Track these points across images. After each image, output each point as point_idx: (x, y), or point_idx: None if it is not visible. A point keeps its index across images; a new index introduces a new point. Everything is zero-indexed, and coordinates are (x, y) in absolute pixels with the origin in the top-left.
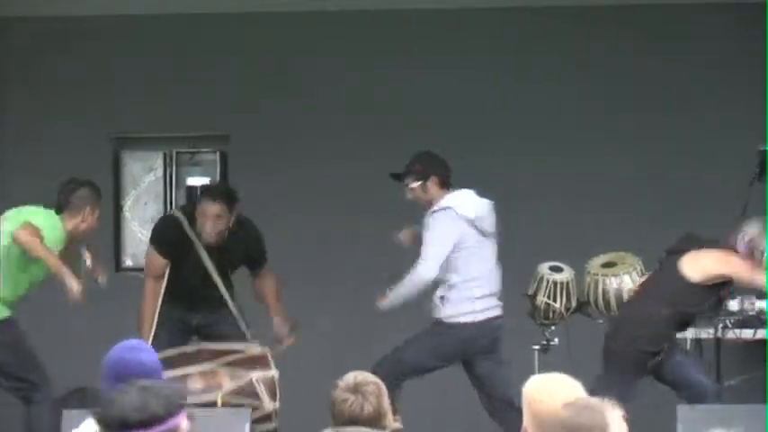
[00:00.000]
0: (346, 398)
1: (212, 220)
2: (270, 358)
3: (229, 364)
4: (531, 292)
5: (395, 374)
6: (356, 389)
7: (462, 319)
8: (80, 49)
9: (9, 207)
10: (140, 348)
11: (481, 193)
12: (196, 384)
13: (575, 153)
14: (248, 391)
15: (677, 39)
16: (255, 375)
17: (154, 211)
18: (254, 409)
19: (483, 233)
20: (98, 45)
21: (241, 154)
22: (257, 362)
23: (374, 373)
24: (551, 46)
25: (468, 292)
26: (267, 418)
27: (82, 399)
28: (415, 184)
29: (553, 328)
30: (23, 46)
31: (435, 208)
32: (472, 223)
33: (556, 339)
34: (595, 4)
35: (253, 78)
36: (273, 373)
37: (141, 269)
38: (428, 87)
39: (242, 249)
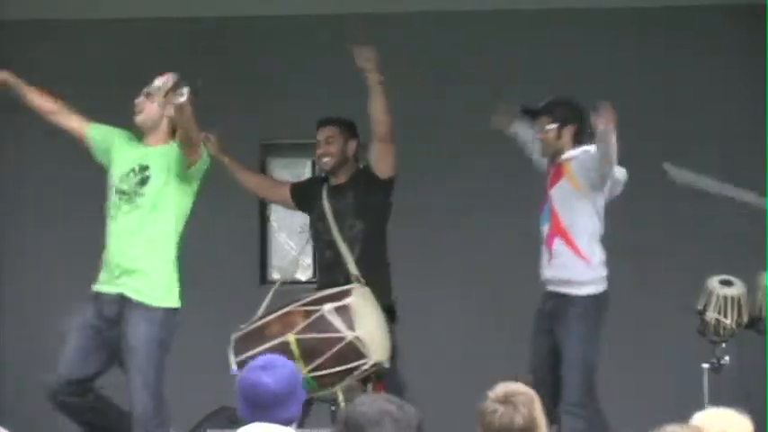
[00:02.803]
0: (495, 408)
1: (322, 145)
2: (351, 291)
3: (306, 303)
4: (700, 307)
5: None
6: (506, 399)
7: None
8: (229, 50)
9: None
10: (268, 368)
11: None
12: (272, 329)
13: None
14: (321, 326)
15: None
16: (327, 307)
17: (301, 221)
18: (335, 343)
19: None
20: (246, 47)
21: None
22: (335, 297)
23: (582, 406)
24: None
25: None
26: (355, 352)
27: (223, 418)
28: (552, 126)
29: (724, 345)
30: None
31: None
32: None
33: (726, 357)
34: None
35: (399, 82)
36: (348, 301)
37: (289, 283)
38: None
39: (356, 188)
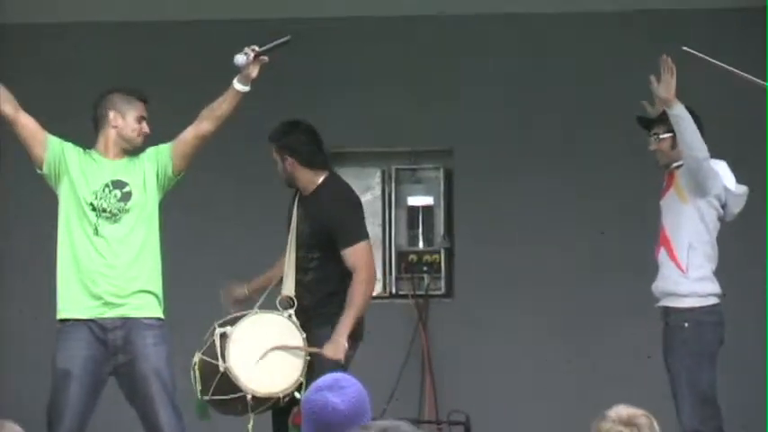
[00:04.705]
0: (620, 430)
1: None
2: (243, 318)
3: (220, 323)
4: None
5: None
6: (630, 421)
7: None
8: (296, 55)
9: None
10: (334, 388)
11: None
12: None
13: None
14: (210, 351)
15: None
16: (217, 331)
17: (371, 233)
18: (216, 371)
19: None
20: (314, 51)
21: (466, 170)
22: (230, 321)
23: None
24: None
25: None
26: (231, 383)
27: None
28: (666, 135)
29: None
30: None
31: None
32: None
33: None
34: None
35: (478, 87)
36: (228, 330)
37: None
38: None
39: (312, 217)
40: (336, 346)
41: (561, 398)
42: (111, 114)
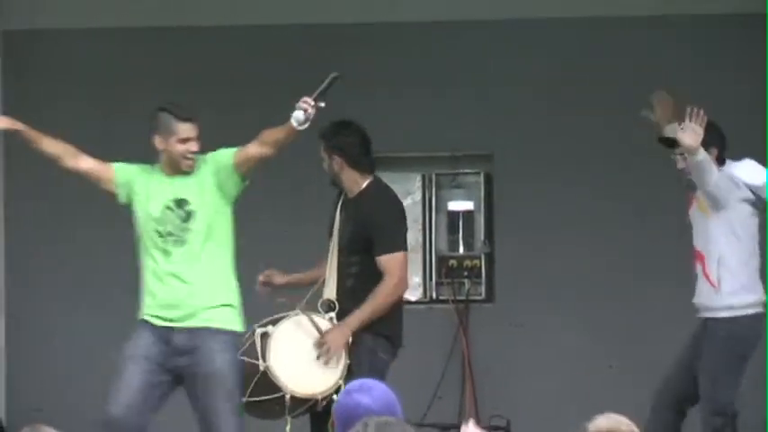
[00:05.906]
0: None
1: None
2: (284, 318)
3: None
4: None
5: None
6: None
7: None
8: (338, 59)
9: None
10: (361, 389)
11: None
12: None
13: None
14: (251, 351)
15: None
16: (258, 331)
17: (411, 238)
18: (256, 371)
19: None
20: (353, 56)
21: (507, 175)
22: (271, 322)
23: None
24: None
25: None
26: (271, 383)
27: None
28: None
29: None
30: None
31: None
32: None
33: None
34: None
35: (518, 92)
36: (270, 329)
37: None
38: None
39: (354, 220)
40: (338, 334)
41: (602, 402)
42: (157, 139)
